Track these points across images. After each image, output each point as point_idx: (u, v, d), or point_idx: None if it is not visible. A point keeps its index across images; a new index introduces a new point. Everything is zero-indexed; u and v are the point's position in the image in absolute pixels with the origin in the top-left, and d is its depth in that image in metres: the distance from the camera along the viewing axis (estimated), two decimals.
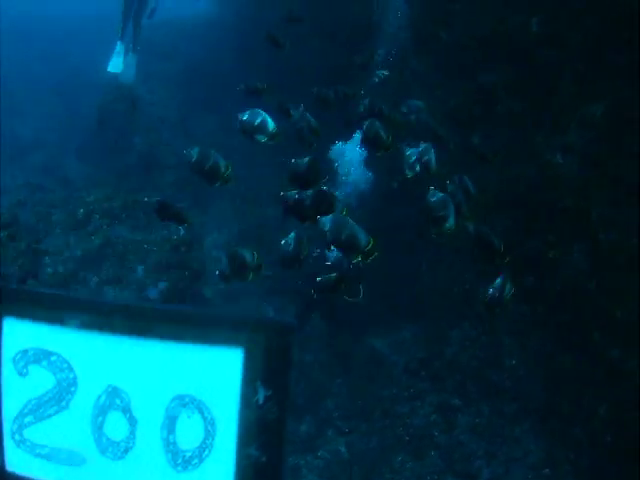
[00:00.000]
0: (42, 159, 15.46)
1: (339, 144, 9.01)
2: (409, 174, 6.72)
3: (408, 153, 6.78)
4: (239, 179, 13.74)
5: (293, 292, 11.38)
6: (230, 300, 11.52)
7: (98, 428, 3.19)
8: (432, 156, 6.80)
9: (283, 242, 6.45)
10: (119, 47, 14.03)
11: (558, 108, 7.92)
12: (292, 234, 6.54)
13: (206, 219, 13.75)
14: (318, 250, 9.43)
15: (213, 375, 3.11)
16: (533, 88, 8.16)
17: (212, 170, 5.55)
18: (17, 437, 3.27)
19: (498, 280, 5.99)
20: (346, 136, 8.78)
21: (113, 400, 3.17)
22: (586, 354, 7.81)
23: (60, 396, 3.21)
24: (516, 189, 8.69)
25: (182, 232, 10.12)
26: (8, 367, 3.24)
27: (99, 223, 10.02)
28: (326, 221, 5.29)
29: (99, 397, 3.19)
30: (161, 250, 9.57)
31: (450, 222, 5.97)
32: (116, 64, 14.06)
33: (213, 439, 3.11)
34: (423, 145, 6.82)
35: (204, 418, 3.11)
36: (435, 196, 5.86)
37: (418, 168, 6.88)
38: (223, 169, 5.57)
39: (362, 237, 5.26)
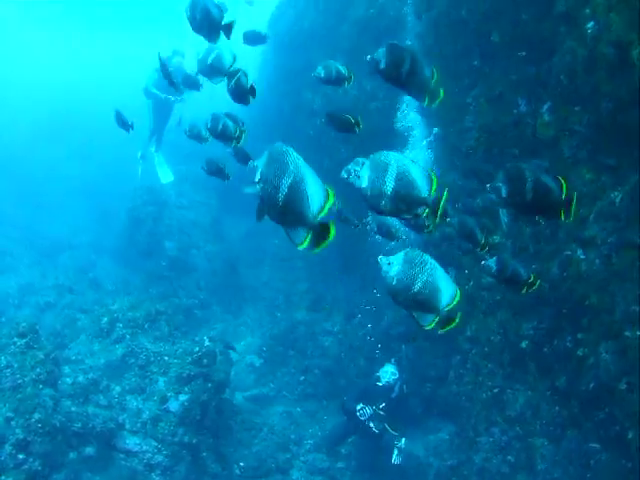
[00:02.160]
0: (73, 260, 15.75)
1: None
2: None
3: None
4: (270, 285, 13.97)
5: (325, 398, 11.30)
6: (263, 405, 11.43)
7: None
8: None
9: None
10: (158, 158, 14.55)
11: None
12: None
13: (239, 324, 13.81)
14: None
15: None
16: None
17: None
18: None
19: None
20: None
21: None
22: (621, 453, 7.45)
23: None
24: (540, 287, 8.51)
25: (206, 343, 10.07)
26: None
27: (122, 332, 10.04)
28: None
29: None
30: (183, 362, 9.48)
31: None
32: (166, 174, 14.55)
33: None
34: None
35: None
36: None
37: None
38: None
39: None
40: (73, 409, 8.40)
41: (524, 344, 8.72)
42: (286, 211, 3.28)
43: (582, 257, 7.74)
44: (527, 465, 8.52)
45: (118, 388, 9.26)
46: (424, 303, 3.80)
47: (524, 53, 8.53)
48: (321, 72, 6.55)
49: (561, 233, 8.18)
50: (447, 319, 3.91)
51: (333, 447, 10.28)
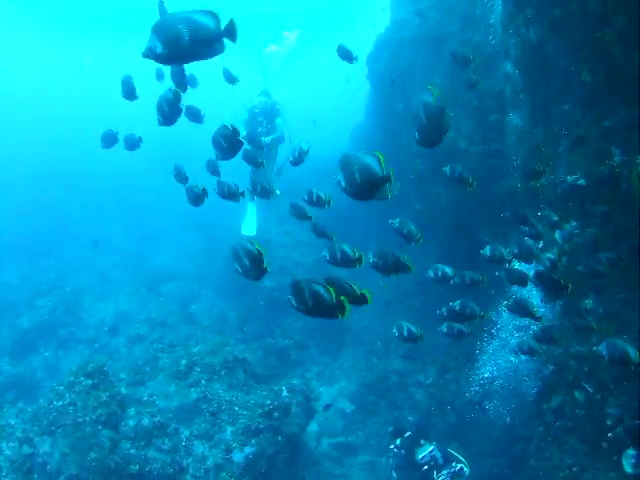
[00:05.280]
0: (176, 290, 16.16)
1: None
2: None
3: None
4: (371, 329, 13.60)
5: None
6: (347, 453, 11.13)
7: None
8: None
9: None
10: (251, 208, 14.58)
11: None
12: None
13: (335, 367, 13.56)
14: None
15: None
16: None
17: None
18: None
19: None
20: None
21: None
22: None
23: None
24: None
25: (284, 394, 9.91)
26: None
27: (199, 377, 10.04)
28: None
29: None
30: (253, 414, 9.32)
31: None
32: (250, 227, 14.55)
33: None
34: None
35: None
36: None
37: None
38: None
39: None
40: (132, 451, 8.44)
41: (609, 421, 7.94)
42: None
43: None
44: None
45: (187, 432, 9.23)
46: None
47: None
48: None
49: None
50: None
51: None
